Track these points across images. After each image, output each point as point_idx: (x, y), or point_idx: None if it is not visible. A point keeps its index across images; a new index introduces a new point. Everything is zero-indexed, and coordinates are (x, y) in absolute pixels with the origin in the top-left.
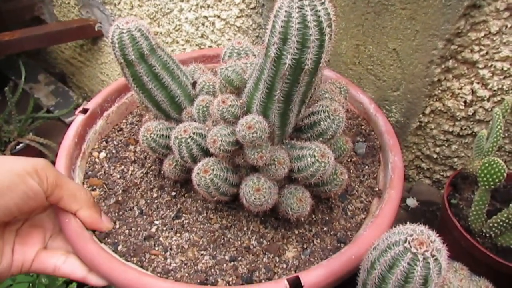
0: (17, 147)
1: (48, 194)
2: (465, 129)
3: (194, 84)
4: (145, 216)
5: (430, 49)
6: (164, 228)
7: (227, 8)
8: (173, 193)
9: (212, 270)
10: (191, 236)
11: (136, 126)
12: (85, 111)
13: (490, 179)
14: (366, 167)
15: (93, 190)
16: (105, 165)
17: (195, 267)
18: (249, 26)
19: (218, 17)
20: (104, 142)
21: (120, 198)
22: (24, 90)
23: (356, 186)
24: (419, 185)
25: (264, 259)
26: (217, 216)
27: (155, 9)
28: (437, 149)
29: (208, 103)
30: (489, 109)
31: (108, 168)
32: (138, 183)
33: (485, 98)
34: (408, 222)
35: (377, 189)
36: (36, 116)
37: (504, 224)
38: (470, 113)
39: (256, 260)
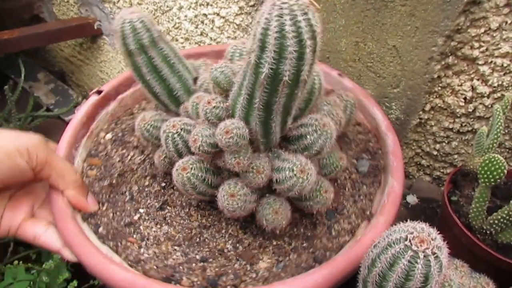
0: None
1: (36, 171)
2: (465, 125)
3: (195, 79)
4: (134, 203)
5: (430, 46)
6: (147, 218)
7: (226, 6)
8: (163, 184)
9: (181, 267)
10: (169, 230)
11: None
12: (99, 92)
13: (491, 176)
14: (365, 187)
15: (91, 169)
16: (108, 147)
17: (165, 261)
18: (249, 24)
19: (218, 14)
20: (114, 124)
21: (114, 181)
22: (24, 88)
23: (348, 206)
24: (419, 182)
25: (236, 265)
26: (198, 214)
27: (154, 7)
28: (437, 146)
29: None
30: (489, 106)
31: (110, 150)
32: (134, 169)
33: (485, 95)
34: (408, 220)
35: (368, 212)
36: (36, 114)
37: (505, 221)
38: (470, 110)
39: (227, 264)
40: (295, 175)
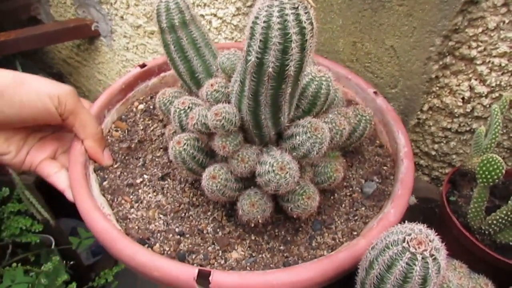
0: None
1: (64, 117)
2: (463, 125)
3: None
4: (143, 168)
5: (427, 46)
6: (148, 184)
7: (223, 7)
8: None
9: (159, 234)
10: (162, 199)
11: None
12: (143, 66)
13: (489, 176)
14: (363, 208)
15: (116, 131)
16: (137, 115)
17: (147, 225)
18: (246, 24)
19: (215, 15)
20: (149, 97)
21: (132, 146)
22: None
23: (339, 222)
24: (418, 182)
25: (209, 248)
26: (191, 191)
27: (151, 8)
28: (436, 146)
29: None
30: (487, 106)
31: (138, 118)
32: (153, 139)
33: (483, 95)
34: (407, 220)
35: (356, 233)
36: None
37: (503, 221)
38: (468, 110)
39: (201, 244)
40: (273, 170)
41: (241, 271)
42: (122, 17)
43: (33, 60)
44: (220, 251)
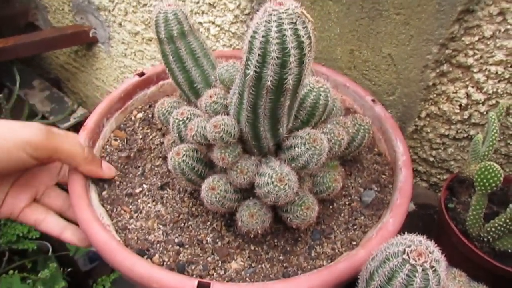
0: None
1: (41, 160)
2: (461, 132)
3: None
4: (142, 178)
5: (424, 54)
6: (147, 193)
7: (221, 14)
8: None
9: (158, 245)
10: (161, 209)
11: None
12: (141, 74)
13: (487, 184)
14: (362, 217)
15: (115, 140)
16: (136, 124)
17: (146, 236)
18: (244, 32)
19: (213, 23)
20: (148, 105)
21: (131, 155)
22: (19, 96)
23: (338, 232)
24: (416, 188)
25: (209, 258)
26: (191, 201)
27: (149, 15)
28: (434, 153)
29: None
30: (484, 113)
31: (137, 127)
32: (152, 148)
33: (480, 102)
34: (406, 227)
35: (355, 243)
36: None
37: (502, 229)
38: (466, 117)
39: (200, 255)
40: (272, 182)
41: (240, 283)
42: (120, 23)
43: (31, 66)
44: (220, 262)
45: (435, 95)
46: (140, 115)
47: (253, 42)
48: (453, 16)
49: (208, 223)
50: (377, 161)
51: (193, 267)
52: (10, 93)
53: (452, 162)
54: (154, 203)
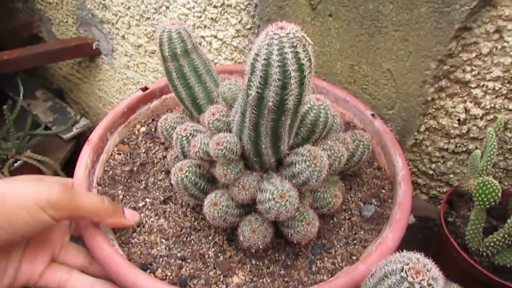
0: (15, 164)
1: (60, 219)
2: (460, 146)
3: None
4: (145, 192)
5: (423, 69)
6: (150, 208)
7: (223, 29)
8: None
9: (161, 259)
10: (164, 223)
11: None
12: (145, 89)
13: (485, 199)
14: (362, 232)
15: (119, 154)
16: (139, 138)
17: (149, 250)
18: (246, 46)
19: (215, 37)
20: (151, 119)
21: (135, 169)
22: (22, 106)
23: (338, 246)
24: (416, 201)
25: (210, 273)
26: (193, 215)
27: (152, 28)
28: (433, 166)
29: None
30: (483, 127)
31: (140, 141)
32: (155, 162)
33: (478, 117)
34: (406, 239)
35: (355, 258)
36: (34, 133)
37: (501, 243)
38: (464, 131)
39: (202, 269)
40: (273, 198)
41: None
42: (123, 36)
43: (34, 76)
44: (222, 276)
45: (434, 110)
46: (143, 129)
47: (255, 64)
48: (451, 33)
49: (210, 238)
50: (376, 176)
51: (195, 282)
52: (13, 104)
53: (451, 175)
54: (157, 217)
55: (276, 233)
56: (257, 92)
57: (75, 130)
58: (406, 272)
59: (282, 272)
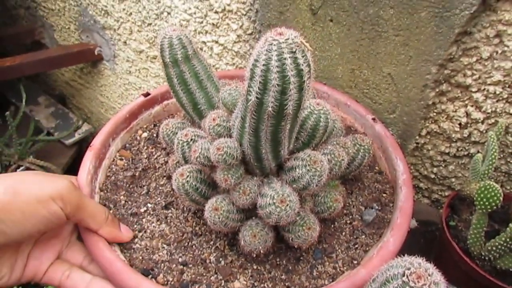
0: (17, 170)
1: (69, 216)
2: (461, 150)
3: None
4: (147, 197)
5: (424, 74)
6: (151, 213)
7: (224, 34)
8: None
9: (162, 264)
10: (165, 229)
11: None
12: (147, 94)
13: (487, 203)
14: (363, 236)
15: (121, 160)
16: (141, 143)
17: (151, 255)
18: (247, 51)
19: (216, 42)
20: (153, 125)
21: (137, 174)
22: (25, 112)
23: (339, 251)
24: (418, 205)
25: (212, 277)
26: (194, 221)
27: (154, 34)
28: (435, 170)
29: None
30: (484, 131)
31: (142, 146)
32: (157, 167)
33: (480, 120)
34: (409, 243)
35: (356, 262)
36: (37, 139)
37: (503, 248)
38: (466, 135)
39: (204, 274)
40: (274, 203)
41: None
42: (125, 42)
43: (36, 82)
44: (223, 281)
45: (435, 114)
46: (145, 134)
47: (255, 70)
48: (451, 38)
49: (212, 243)
50: (378, 180)
51: (196, 287)
52: (16, 110)
53: (453, 179)
54: (158, 223)
55: (277, 237)
56: (256, 97)
57: (77, 136)
58: (407, 276)
59: (283, 276)
